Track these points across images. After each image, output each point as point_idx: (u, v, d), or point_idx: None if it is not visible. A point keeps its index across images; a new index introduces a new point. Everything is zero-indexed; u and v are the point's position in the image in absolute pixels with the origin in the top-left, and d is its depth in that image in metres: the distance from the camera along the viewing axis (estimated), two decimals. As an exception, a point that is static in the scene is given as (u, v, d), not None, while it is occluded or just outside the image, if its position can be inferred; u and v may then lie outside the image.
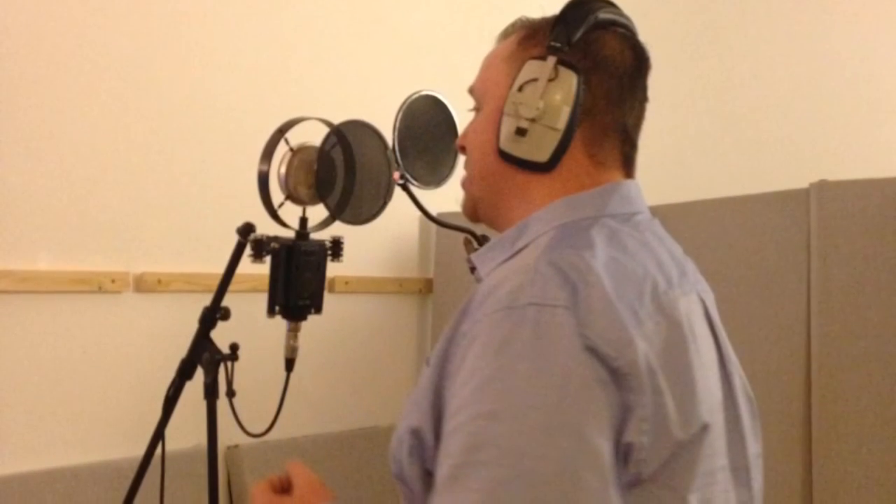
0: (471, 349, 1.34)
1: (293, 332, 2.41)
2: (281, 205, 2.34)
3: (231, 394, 2.38)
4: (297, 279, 2.34)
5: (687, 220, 3.25)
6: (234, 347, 2.38)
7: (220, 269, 2.38)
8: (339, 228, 2.38)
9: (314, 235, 2.42)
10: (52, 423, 3.17)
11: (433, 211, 2.46)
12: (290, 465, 1.72)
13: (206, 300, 2.40)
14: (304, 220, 2.41)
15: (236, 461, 3.55)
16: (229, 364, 2.38)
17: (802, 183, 3.02)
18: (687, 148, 4.46)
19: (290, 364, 2.43)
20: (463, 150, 1.73)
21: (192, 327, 2.41)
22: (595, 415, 1.27)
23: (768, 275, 3.09)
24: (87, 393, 3.25)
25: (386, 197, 2.35)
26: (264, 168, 2.34)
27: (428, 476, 1.41)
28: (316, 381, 3.87)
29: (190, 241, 3.46)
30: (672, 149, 4.36)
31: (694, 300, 1.54)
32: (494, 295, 1.36)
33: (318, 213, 2.38)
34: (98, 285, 3.20)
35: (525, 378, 1.27)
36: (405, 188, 2.35)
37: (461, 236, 2.17)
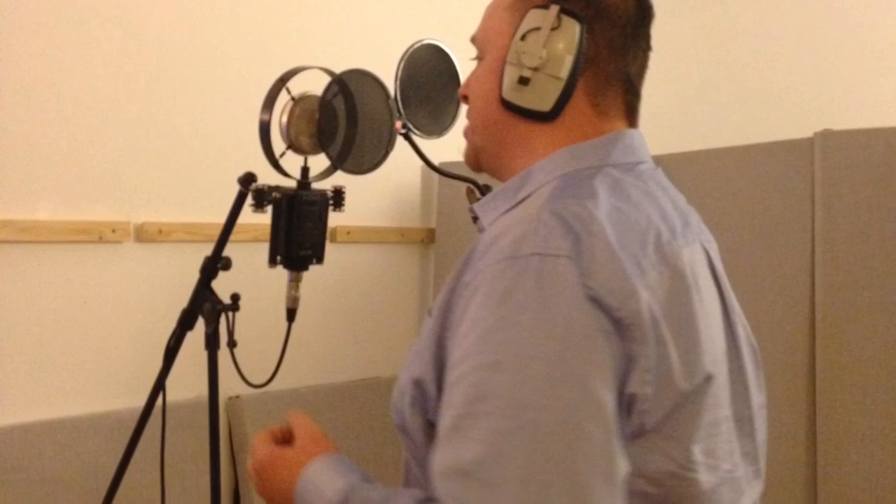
0: (473, 299, 1.34)
1: (294, 283, 2.41)
2: (282, 154, 2.33)
3: (232, 344, 2.38)
4: (299, 229, 2.34)
5: (690, 170, 3.24)
6: (236, 298, 2.38)
7: (222, 219, 2.37)
8: (340, 178, 2.37)
9: (316, 185, 2.41)
10: (52, 373, 3.17)
11: (435, 160, 2.46)
12: (292, 416, 1.72)
13: (207, 250, 2.40)
14: (305, 170, 2.40)
15: (237, 412, 3.56)
16: (230, 314, 2.37)
17: (806, 132, 3.01)
18: (690, 97, 4.44)
19: (291, 314, 2.43)
20: (465, 99, 1.72)
21: (193, 277, 2.40)
22: (598, 365, 1.27)
23: (772, 224, 3.08)
24: (87, 343, 3.24)
25: (388, 146, 2.34)
26: (266, 117, 2.33)
27: (430, 427, 1.42)
28: (317, 332, 3.86)
29: (191, 191, 3.45)
30: (676, 98, 4.34)
31: (697, 250, 1.54)
32: (497, 245, 1.36)
33: (319, 162, 2.36)
34: (98, 235, 3.19)
35: (528, 328, 1.27)
36: (407, 137, 2.35)
37: (463, 186, 2.17)
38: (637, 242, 1.38)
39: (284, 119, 2.31)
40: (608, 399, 1.26)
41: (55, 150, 3.14)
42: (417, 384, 1.43)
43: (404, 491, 1.43)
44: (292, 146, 2.33)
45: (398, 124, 2.31)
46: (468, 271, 1.40)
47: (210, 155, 3.48)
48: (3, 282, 3.04)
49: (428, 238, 4.36)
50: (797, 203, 3.01)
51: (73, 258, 3.18)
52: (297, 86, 2.32)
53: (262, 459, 1.65)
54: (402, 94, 2.32)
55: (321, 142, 2.27)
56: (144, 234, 3.32)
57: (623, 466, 1.28)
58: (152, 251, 3.36)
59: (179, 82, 3.44)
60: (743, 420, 1.55)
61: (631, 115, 1.62)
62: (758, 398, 1.61)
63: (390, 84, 2.32)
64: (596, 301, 1.28)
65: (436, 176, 3.94)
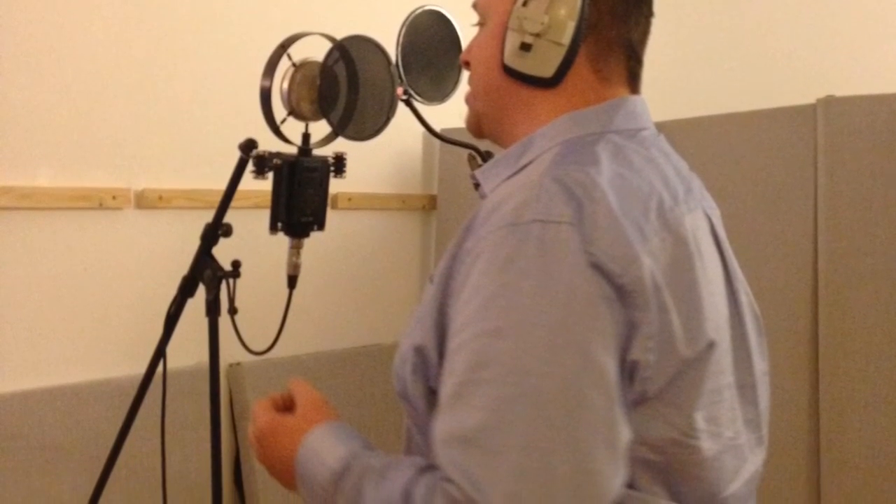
0: (475, 266, 1.34)
1: (295, 249, 2.41)
2: (283, 121, 2.32)
3: (233, 311, 2.38)
4: (300, 195, 2.33)
5: (693, 137, 3.23)
6: (236, 264, 2.37)
7: (223, 185, 2.37)
8: (342, 145, 2.36)
9: (317, 151, 2.41)
10: (52, 340, 3.17)
11: (437, 127, 2.45)
12: (293, 383, 1.72)
13: (208, 217, 2.39)
14: (306, 136, 2.39)
15: (238, 379, 3.56)
16: (231, 281, 2.37)
17: (809, 98, 3.00)
18: (693, 63, 4.42)
19: (292, 281, 2.43)
20: (467, 65, 1.71)
21: (194, 244, 2.40)
22: (600, 332, 1.27)
23: (775, 191, 3.07)
24: (87, 310, 3.24)
25: (389, 113, 2.33)
26: (266, 84, 2.33)
27: (431, 394, 1.42)
28: (318, 299, 3.86)
29: (192, 158, 3.44)
30: (678, 64, 4.32)
31: (700, 217, 1.54)
32: (499, 211, 1.37)
33: (320, 129, 2.36)
34: (99, 202, 3.18)
35: (529, 295, 1.27)
36: (408, 104, 2.34)
37: (465, 152, 2.16)
38: (639, 209, 1.38)
39: (285, 85, 2.30)
40: (610, 366, 1.27)
41: (55, 116, 3.13)
42: (419, 351, 1.44)
43: (406, 458, 1.44)
44: (293, 112, 2.32)
45: (399, 90, 2.31)
46: (470, 238, 1.40)
47: (211, 121, 3.47)
48: (4, 248, 3.04)
49: (429, 205, 4.35)
50: (800, 169, 3.00)
51: (73, 225, 3.18)
52: (298, 52, 2.32)
53: (263, 427, 1.65)
54: (403, 61, 2.31)
55: (322, 108, 2.26)
56: (145, 201, 3.31)
57: (625, 433, 1.29)
58: (153, 218, 3.35)
59: (180, 48, 3.42)
60: (746, 387, 1.55)
61: (633, 81, 1.61)
62: (760, 365, 1.61)
63: (392, 50, 2.31)
64: (598, 267, 1.28)
65: (437, 142, 3.94)
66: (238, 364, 3.55)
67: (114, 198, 3.22)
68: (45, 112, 3.10)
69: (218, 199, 2.38)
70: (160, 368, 2.48)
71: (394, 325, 4.14)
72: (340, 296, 4.01)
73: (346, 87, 2.28)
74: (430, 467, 1.33)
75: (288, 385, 1.72)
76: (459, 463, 1.23)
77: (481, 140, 1.77)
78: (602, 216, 1.32)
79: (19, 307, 3.09)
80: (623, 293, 1.30)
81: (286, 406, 1.70)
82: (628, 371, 1.31)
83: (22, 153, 3.06)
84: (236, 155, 2.32)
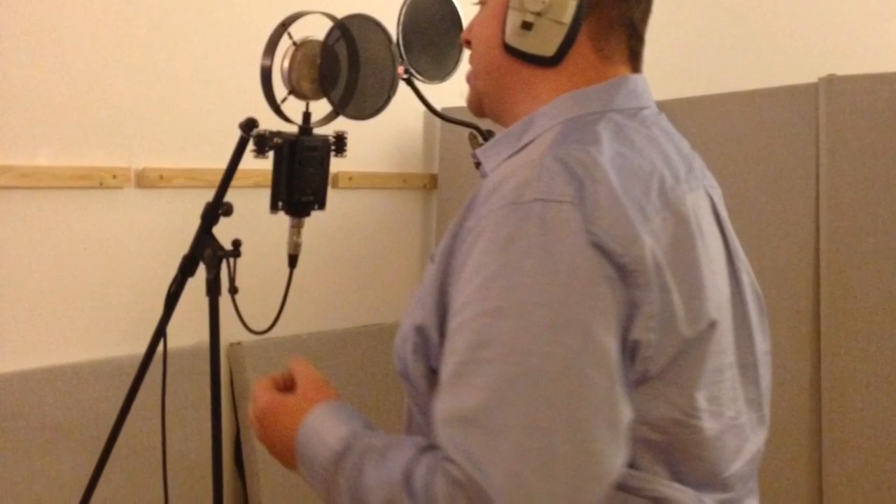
0: (476, 245, 1.35)
1: (296, 229, 2.41)
2: (284, 100, 2.32)
3: (233, 290, 2.38)
4: (301, 175, 2.33)
5: (694, 116, 3.22)
6: (237, 244, 2.37)
7: (223, 164, 2.37)
8: (342, 124, 2.36)
9: (317, 131, 2.40)
10: (52, 320, 3.17)
11: (438, 106, 2.45)
12: (293, 363, 1.72)
13: (208, 196, 2.39)
14: (307, 115, 2.39)
15: (238, 358, 3.56)
16: (231, 260, 2.37)
17: (811, 77, 2.99)
18: (694, 42, 4.41)
19: (293, 260, 2.43)
20: (468, 44, 1.71)
21: (194, 224, 2.40)
22: (602, 312, 1.28)
23: (776, 170, 3.07)
24: (87, 290, 3.24)
25: (390, 91, 2.33)
26: (267, 63, 2.32)
27: (432, 374, 1.43)
28: (319, 278, 3.86)
29: (192, 137, 3.43)
30: (679, 43, 4.31)
31: (701, 196, 1.55)
32: (500, 191, 1.37)
33: (321, 108, 2.35)
34: (99, 181, 3.18)
35: (531, 274, 1.28)
36: (409, 83, 2.34)
37: (466, 132, 2.17)
38: (640, 188, 1.38)
39: (286, 64, 2.30)
40: (611, 345, 1.28)
41: (56, 95, 3.12)
42: (419, 331, 1.45)
43: (407, 438, 1.44)
44: (294, 91, 2.32)
45: (400, 69, 2.31)
46: (471, 217, 1.40)
47: (211, 100, 3.46)
48: (4, 228, 3.04)
49: (430, 184, 4.34)
50: (802, 149, 2.99)
51: (73, 204, 3.17)
52: (298, 31, 2.32)
53: (264, 406, 1.65)
54: (404, 40, 2.31)
55: (323, 87, 2.26)
56: (145, 180, 3.30)
57: (626, 413, 1.30)
58: (153, 197, 3.35)
59: (181, 27, 3.42)
60: (747, 367, 1.56)
61: (634, 60, 1.61)
62: (762, 345, 1.62)
63: (392, 29, 2.30)
64: (599, 247, 1.29)
65: (438, 121, 3.92)
66: (238, 343, 3.55)
67: (114, 177, 3.21)
68: (45, 91, 3.10)
69: (218, 178, 2.38)
70: (160, 348, 2.49)
71: (394, 305, 4.14)
72: (341, 275, 4.01)
73: (346, 65, 2.28)
74: (431, 447, 1.33)
75: (288, 364, 1.72)
76: (460, 443, 1.24)
77: (482, 119, 1.77)
78: (603, 196, 1.32)
79: (19, 287, 3.09)
80: (624, 273, 1.30)
81: (287, 386, 1.70)
82: (630, 351, 1.32)
83: (22, 132, 3.06)
84: (237, 134, 2.32)
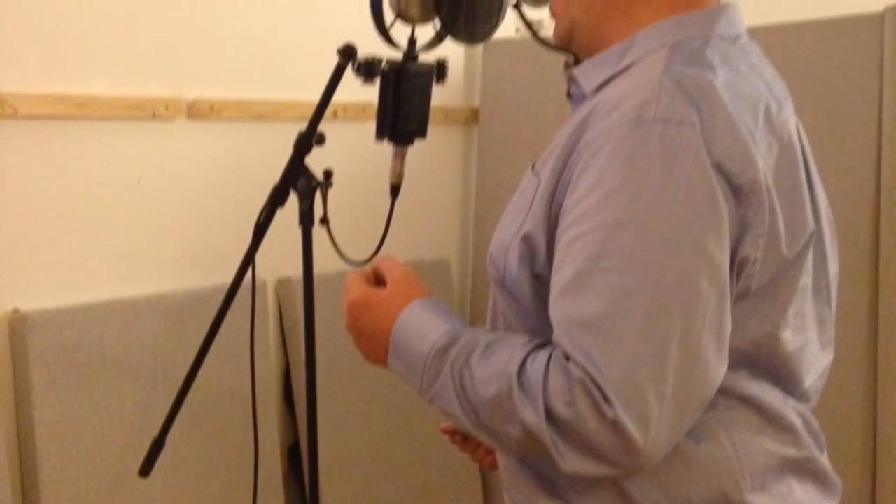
0: (595, 159, 1.40)
1: (399, 157, 2.42)
2: (391, 24, 2.30)
3: (326, 221, 2.43)
4: (407, 102, 2.33)
5: (751, 47, 3.19)
6: (328, 174, 2.39)
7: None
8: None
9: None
10: (108, 252, 3.16)
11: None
12: (381, 261, 1.76)
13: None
14: (412, 42, 2.36)
15: (288, 294, 3.56)
16: (324, 190, 2.42)
17: (877, 6, 2.96)
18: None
19: (395, 189, 2.46)
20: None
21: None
22: (716, 229, 1.36)
23: (838, 103, 3.05)
24: (141, 223, 3.22)
25: (499, 16, 2.33)
26: None
27: (536, 279, 1.53)
28: (360, 215, 3.83)
29: (241, 67, 3.38)
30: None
31: (794, 122, 1.64)
32: (620, 108, 1.42)
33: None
34: (152, 111, 3.16)
35: (651, 191, 1.35)
36: (517, 7, 2.32)
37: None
38: (749, 114, 1.46)
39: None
40: (724, 261, 1.38)
41: (110, 20, 3.09)
42: (526, 239, 1.52)
43: (511, 335, 1.54)
44: (401, 15, 2.30)
45: None
46: (589, 131, 1.45)
47: (260, 28, 3.41)
48: (60, 158, 3.02)
49: (471, 118, 4.29)
50: (865, 81, 2.98)
51: (127, 135, 3.16)
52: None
53: (357, 298, 1.68)
54: None
55: (436, 6, 2.26)
56: (196, 111, 3.28)
57: (730, 326, 1.40)
58: (204, 130, 3.33)
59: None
60: (821, 288, 1.67)
61: None
62: (833, 268, 1.73)
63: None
64: (718, 167, 1.37)
65: (480, 52, 3.90)
66: (288, 280, 3.54)
67: (167, 108, 3.19)
68: (98, 16, 3.07)
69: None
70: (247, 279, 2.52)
71: (436, 241, 4.14)
72: (383, 212, 3.99)
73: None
74: (542, 345, 1.43)
75: (374, 264, 1.76)
76: (579, 344, 1.34)
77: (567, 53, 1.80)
78: (721, 119, 1.40)
79: (75, 219, 3.08)
80: (739, 193, 1.39)
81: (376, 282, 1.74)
82: (737, 267, 1.42)
83: (76, 59, 3.04)
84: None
